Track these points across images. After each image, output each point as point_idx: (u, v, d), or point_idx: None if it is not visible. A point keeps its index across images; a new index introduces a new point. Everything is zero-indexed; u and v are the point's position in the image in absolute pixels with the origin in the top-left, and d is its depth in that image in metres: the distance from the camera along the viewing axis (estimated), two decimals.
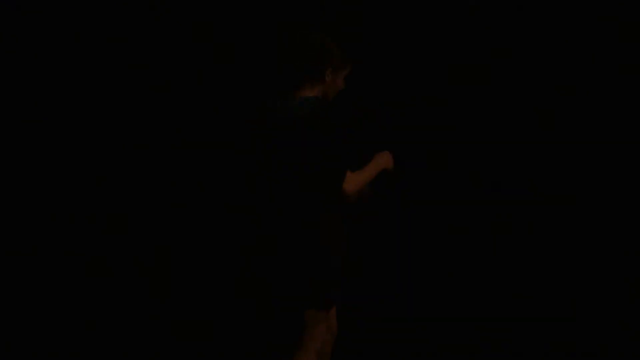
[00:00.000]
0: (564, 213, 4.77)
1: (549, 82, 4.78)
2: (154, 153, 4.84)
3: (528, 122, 4.79)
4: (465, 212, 4.85)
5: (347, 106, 3.83)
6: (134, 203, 4.84)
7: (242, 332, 4.78)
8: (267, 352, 4.59)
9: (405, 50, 4.84)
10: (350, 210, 3.56)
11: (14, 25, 4.73)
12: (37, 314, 4.78)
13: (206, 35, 4.82)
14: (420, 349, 4.76)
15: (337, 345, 3.73)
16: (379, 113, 4.84)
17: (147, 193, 4.84)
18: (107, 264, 4.83)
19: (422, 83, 4.84)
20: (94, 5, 4.77)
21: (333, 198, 3.45)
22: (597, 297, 4.73)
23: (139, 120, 4.84)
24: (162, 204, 4.84)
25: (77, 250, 4.82)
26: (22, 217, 4.79)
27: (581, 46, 4.73)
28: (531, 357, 4.65)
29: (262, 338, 4.70)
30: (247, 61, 4.81)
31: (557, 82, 4.77)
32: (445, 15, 4.81)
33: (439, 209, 4.87)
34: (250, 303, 4.73)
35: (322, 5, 4.77)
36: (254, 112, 3.58)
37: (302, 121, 3.44)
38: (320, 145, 3.42)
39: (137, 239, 4.85)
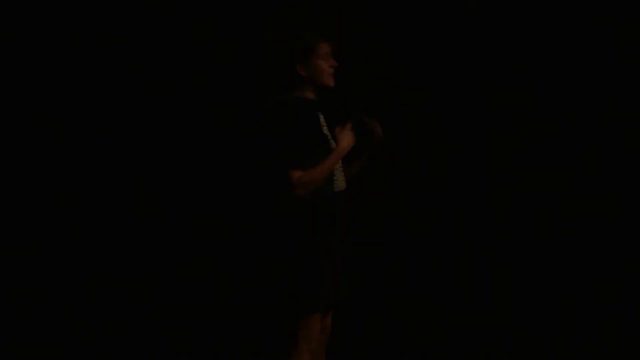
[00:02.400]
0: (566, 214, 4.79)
1: (549, 82, 4.78)
2: (153, 153, 4.85)
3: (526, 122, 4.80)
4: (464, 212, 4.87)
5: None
6: (133, 203, 4.84)
7: (236, 332, 4.80)
8: (261, 353, 4.60)
9: (405, 50, 4.84)
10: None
11: (14, 25, 4.74)
12: (37, 314, 4.79)
13: (206, 35, 4.83)
14: (419, 349, 4.77)
15: (331, 343, 3.73)
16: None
17: (146, 193, 4.85)
18: (107, 264, 4.84)
19: (421, 83, 4.85)
20: (94, 5, 4.77)
21: (289, 200, 3.42)
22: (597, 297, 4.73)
23: (139, 120, 4.84)
24: (160, 203, 4.85)
25: (77, 250, 4.83)
26: (22, 217, 4.79)
27: (582, 47, 4.74)
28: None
29: (255, 338, 4.71)
30: (247, 61, 4.81)
31: (556, 82, 4.78)
32: (445, 15, 4.82)
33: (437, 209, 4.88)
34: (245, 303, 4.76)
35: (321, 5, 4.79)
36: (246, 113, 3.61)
37: (254, 124, 3.46)
38: (264, 149, 3.41)
39: (136, 239, 4.85)
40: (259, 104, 3.57)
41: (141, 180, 4.84)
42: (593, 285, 4.73)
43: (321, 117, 3.59)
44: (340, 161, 3.52)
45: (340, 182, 3.52)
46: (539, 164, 4.78)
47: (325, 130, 3.57)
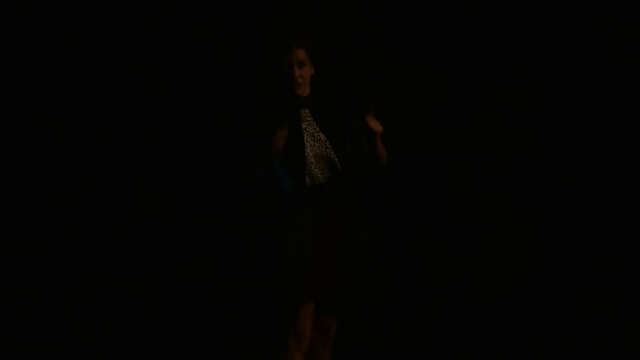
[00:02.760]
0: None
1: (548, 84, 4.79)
2: (153, 153, 4.84)
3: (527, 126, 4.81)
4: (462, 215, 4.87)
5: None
6: (133, 203, 4.83)
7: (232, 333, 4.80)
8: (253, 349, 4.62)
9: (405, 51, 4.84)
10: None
11: (14, 25, 4.73)
12: (37, 314, 4.78)
13: (206, 35, 4.82)
14: (418, 350, 4.78)
15: (336, 346, 3.72)
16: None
17: (145, 193, 4.84)
18: (107, 264, 4.84)
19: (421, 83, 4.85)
20: (94, 5, 4.76)
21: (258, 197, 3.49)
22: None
23: (139, 120, 4.83)
24: (159, 203, 4.84)
25: (77, 250, 4.82)
26: (22, 217, 4.78)
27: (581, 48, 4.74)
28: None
29: (251, 339, 4.73)
30: (247, 61, 4.80)
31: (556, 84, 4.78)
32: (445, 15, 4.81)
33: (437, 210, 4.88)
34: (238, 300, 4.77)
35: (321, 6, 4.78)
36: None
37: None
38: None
39: (134, 239, 4.84)
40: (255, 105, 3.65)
41: (141, 180, 4.83)
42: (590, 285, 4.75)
43: (305, 112, 3.65)
44: (329, 152, 3.60)
45: (316, 176, 3.58)
46: (539, 164, 4.80)
47: (308, 124, 3.64)
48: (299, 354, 3.53)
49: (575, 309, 4.74)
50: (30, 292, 4.79)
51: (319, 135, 3.61)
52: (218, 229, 4.80)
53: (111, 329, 4.81)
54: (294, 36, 3.58)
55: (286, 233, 3.52)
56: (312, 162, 3.57)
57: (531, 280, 4.78)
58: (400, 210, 4.86)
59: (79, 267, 4.82)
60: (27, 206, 4.79)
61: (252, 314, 4.72)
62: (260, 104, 3.66)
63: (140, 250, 4.84)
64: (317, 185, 3.58)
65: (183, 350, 4.81)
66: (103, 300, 4.82)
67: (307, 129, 3.63)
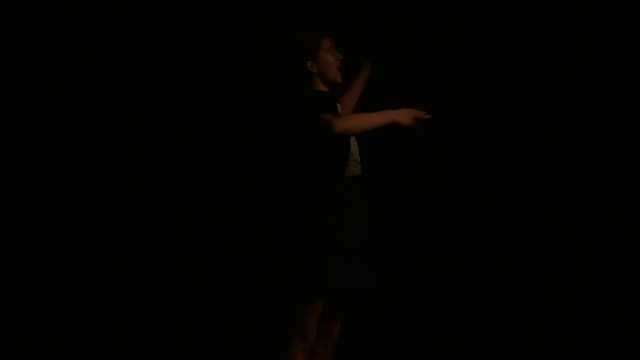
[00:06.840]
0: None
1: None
2: (154, 153, 4.85)
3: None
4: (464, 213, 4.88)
5: None
6: (133, 202, 4.84)
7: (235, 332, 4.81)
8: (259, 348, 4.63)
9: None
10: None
11: (14, 25, 4.74)
12: (37, 313, 4.79)
13: (207, 35, 4.83)
14: (418, 351, 4.79)
15: (337, 349, 3.73)
16: None
17: (147, 192, 4.85)
18: (105, 264, 4.84)
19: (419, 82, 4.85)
20: (94, 5, 4.77)
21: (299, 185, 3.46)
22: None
23: (139, 121, 4.84)
24: (161, 203, 4.85)
25: (76, 250, 4.83)
26: (22, 217, 4.79)
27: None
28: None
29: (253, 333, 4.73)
30: (251, 62, 4.81)
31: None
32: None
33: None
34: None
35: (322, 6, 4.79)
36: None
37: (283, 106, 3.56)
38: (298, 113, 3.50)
39: (135, 238, 4.85)
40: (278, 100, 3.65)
41: (140, 180, 4.84)
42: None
43: (339, 106, 3.69)
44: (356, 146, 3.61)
45: (353, 167, 3.58)
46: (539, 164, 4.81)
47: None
48: (302, 355, 3.53)
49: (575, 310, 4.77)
50: (30, 292, 4.79)
51: None
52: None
53: (111, 329, 4.82)
54: (322, 26, 3.62)
55: (316, 225, 3.46)
56: (352, 153, 3.60)
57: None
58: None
59: (79, 267, 4.82)
60: (26, 206, 4.80)
61: (257, 315, 4.74)
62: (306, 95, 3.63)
63: (154, 232, 4.85)
64: (352, 176, 3.58)
65: (183, 349, 4.82)
66: (102, 301, 4.83)
67: None
